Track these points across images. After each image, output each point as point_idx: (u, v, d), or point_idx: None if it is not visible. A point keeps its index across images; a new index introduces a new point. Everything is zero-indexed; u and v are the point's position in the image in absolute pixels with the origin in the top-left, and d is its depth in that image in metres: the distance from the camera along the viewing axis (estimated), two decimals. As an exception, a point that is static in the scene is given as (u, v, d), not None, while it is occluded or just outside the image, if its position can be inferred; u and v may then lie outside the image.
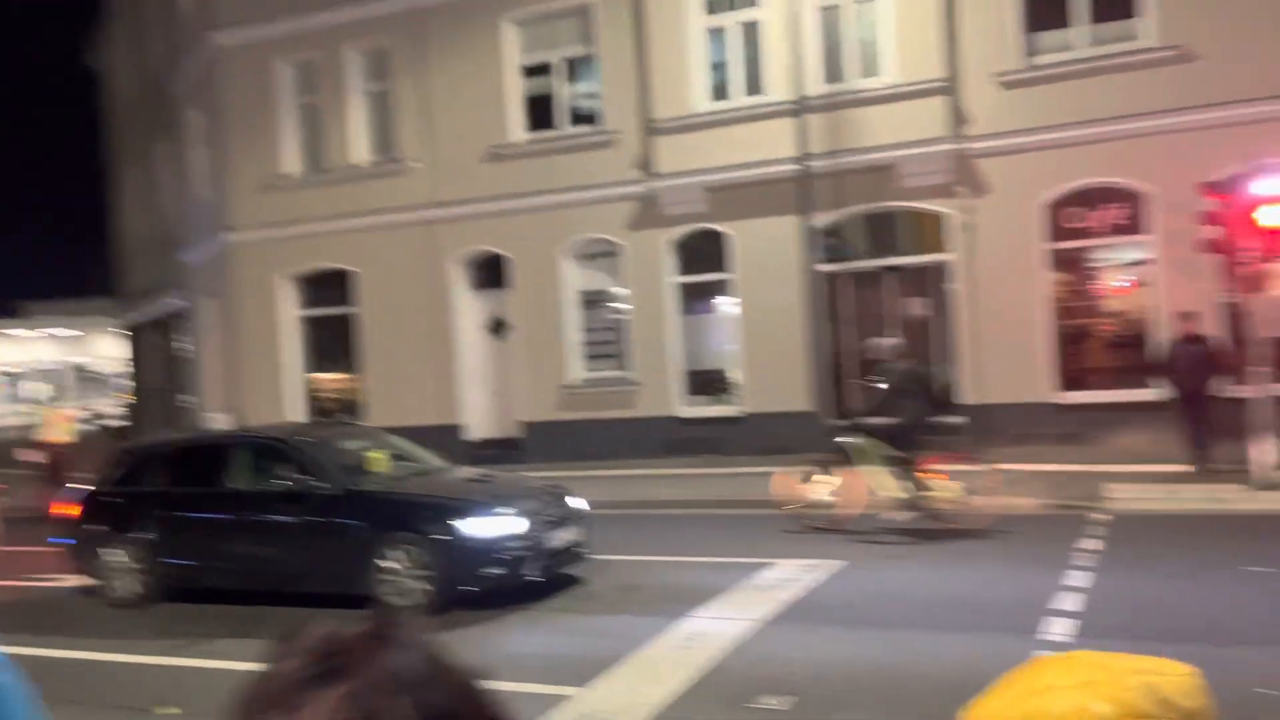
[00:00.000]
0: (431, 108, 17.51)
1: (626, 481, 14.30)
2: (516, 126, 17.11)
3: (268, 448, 9.16)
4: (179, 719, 6.19)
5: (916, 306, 15.28)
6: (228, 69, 18.91)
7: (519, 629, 7.69)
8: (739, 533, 10.85)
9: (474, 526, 8.09)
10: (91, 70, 33.48)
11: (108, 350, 51.84)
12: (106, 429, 34.61)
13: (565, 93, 16.96)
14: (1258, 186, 10.57)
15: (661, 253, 16.19)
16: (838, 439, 10.84)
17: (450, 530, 8.06)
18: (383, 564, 8.15)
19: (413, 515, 8.30)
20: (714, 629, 7.23)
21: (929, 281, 15.08)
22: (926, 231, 15.08)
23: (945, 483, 10.12)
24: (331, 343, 18.80)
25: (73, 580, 9.82)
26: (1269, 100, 12.66)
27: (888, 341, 11.48)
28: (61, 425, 16.22)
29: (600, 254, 16.88)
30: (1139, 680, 1.03)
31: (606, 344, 17.02)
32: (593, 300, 17.07)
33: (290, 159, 18.69)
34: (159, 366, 26.88)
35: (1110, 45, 13.90)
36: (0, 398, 60.61)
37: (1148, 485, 11.42)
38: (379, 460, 9.22)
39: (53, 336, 65.33)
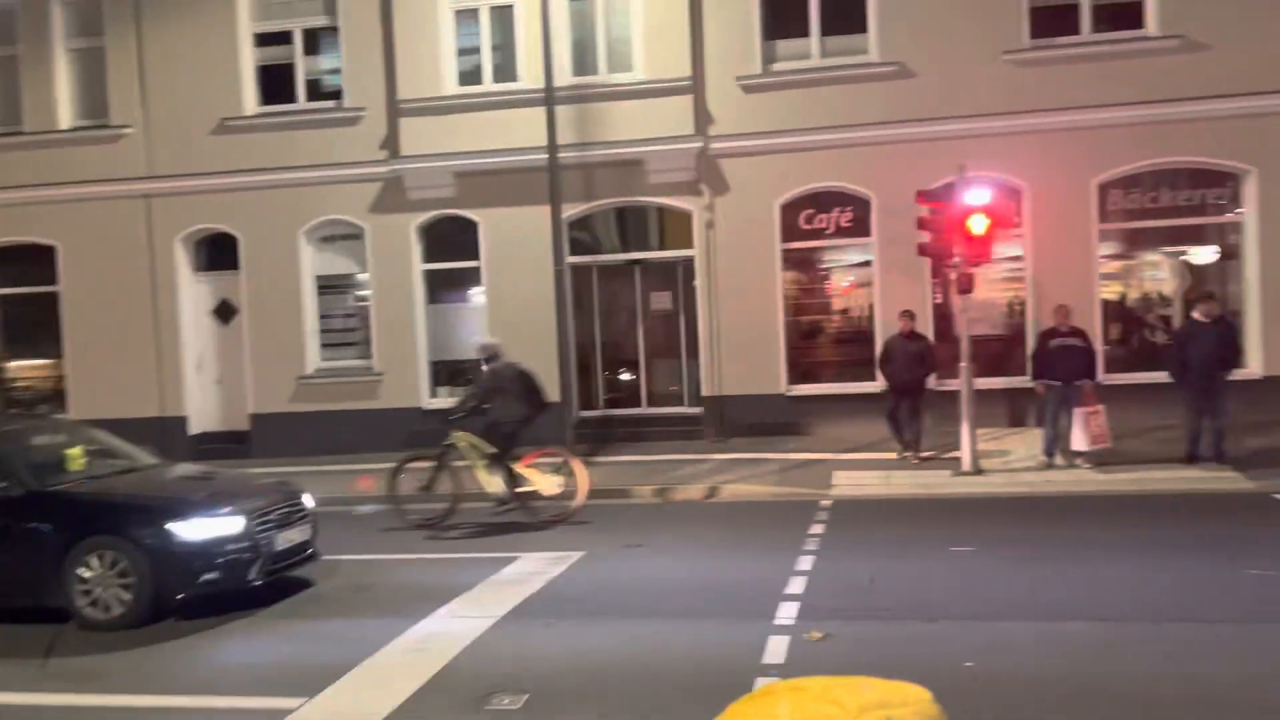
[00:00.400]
0: (150, 71, 16.02)
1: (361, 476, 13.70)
2: (249, 97, 15.96)
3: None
4: None
5: (662, 301, 15.61)
6: (-100, 9, 16.45)
7: (240, 639, 7.11)
8: (483, 527, 10.62)
9: (184, 528, 7.38)
10: None
11: None
12: None
13: (304, 65, 15.99)
14: (968, 196, 11.52)
15: (408, 238, 15.62)
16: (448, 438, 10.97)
17: (156, 533, 7.32)
18: (80, 572, 7.29)
19: (112, 517, 7.47)
20: (449, 629, 6.97)
21: (674, 276, 15.44)
22: (672, 227, 15.43)
23: (540, 476, 10.63)
24: (29, 325, 16.82)
25: None
26: (980, 117, 13.86)
27: (488, 340, 11.89)
28: None
29: (341, 236, 16.07)
30: (875, 717, 0.93)
31: (347, 331, 16.24)
32: (332, 286, 16.23)
33: (-19, 120, 16.53)
34: None
35: (839, 57, 14.73)
36: None
37: (866, 472, 12.22)
38: (75, 457, 8.26)
39: None
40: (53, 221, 16.23)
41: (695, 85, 14.73)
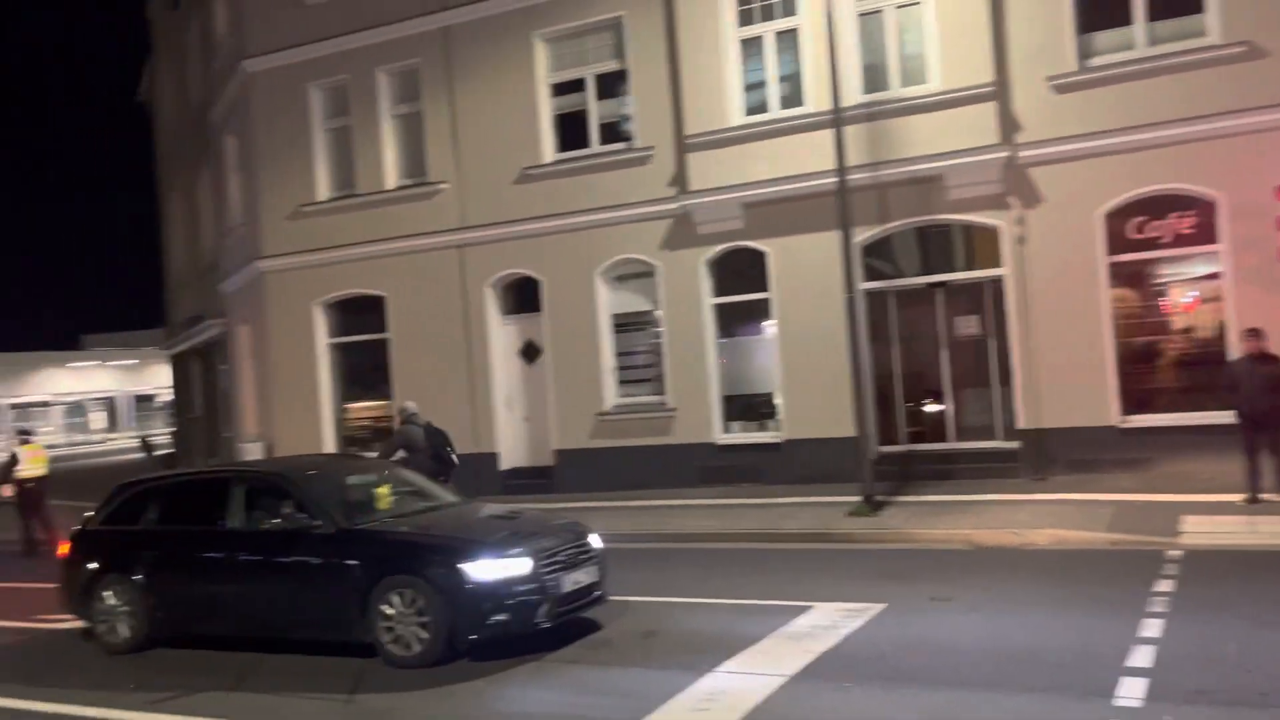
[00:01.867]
0: (461, 129, 17.12)
1: (659, 512, 13.63)
2: (547, 146, 16.63)
3: (264, 483, 8.63)
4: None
5: (968, 325, 14.43)
6: (260, 95, 18.75)
7: (526, 685, 7.03)
8: (774, 570, 10.10)
9: (476, 569, 7.45)
10: (142, 105, 33.89)
11: (161, 379, 52.41)
12: (155, 456, 34.80)
13: (596, 110, 16.43)
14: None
15: (697, 273, 15.54)
16: None
17: (450, 573, 7.44)
18: (383, 609, 7.56)
19: (412, 556, 7.69)
20: (736, 686, 6.50)
21: (980, 299, 14.24)
22: (977, 246, 14.25)
23: None
24: (363, 370, 18.42)
25: (76, 623, 9.38)
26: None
27: (406, 404, 13.55)
28: (36, 460, 15.93)
29: (634, 275, 16.28)
30: None
31: (642, 368, 16.39)
32: (627, 323, 16.46)
33: (321, 184, 18.42)
34: (201, 394, 26.82)
35: (1171, 44, 13.01)
36: (62, 427, 61.62)
37: (1225, 517, 10.46)
38: (385, 496, 8.66)
39: (110, 366, 66.48)
40: (381, 274, 17.70)
41: (999, 91, 13.55)
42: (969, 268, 14.39)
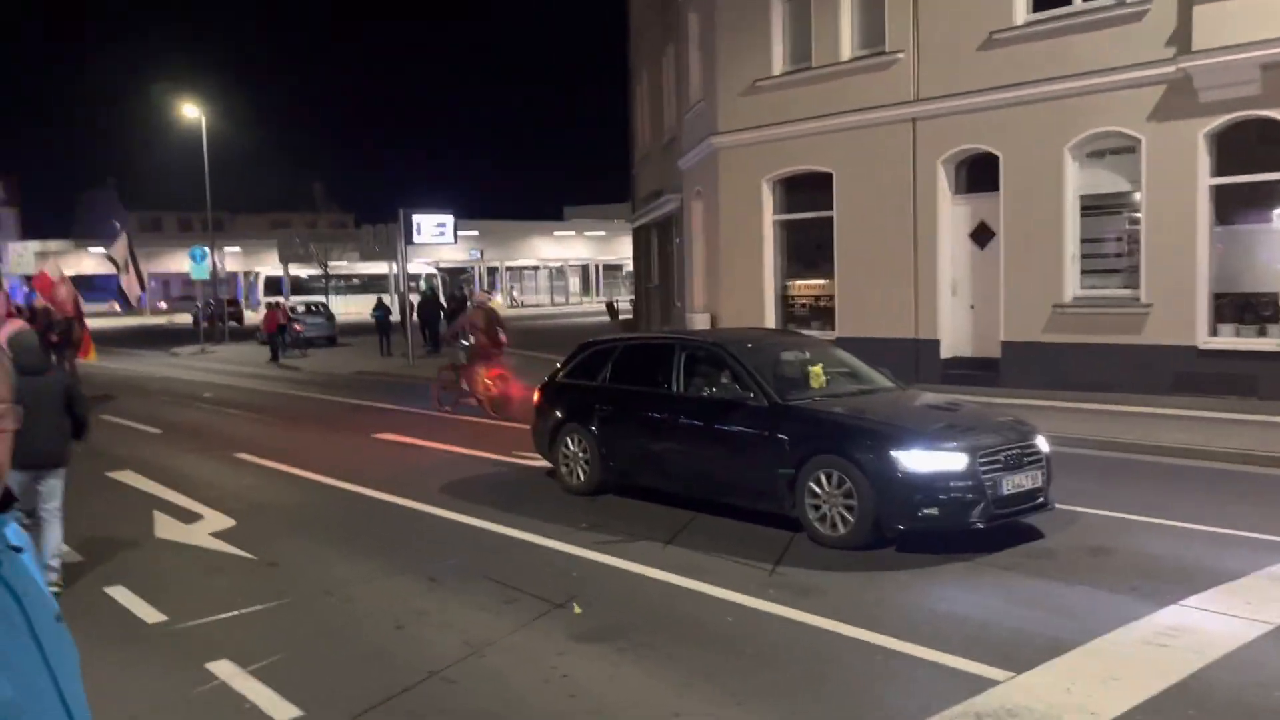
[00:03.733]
0: (924, -8, 15.96)
1: (1122, 419, 12.24)
2: (1020, 6, 14.99)
3: (706, 353, 8.88)
4: (584, 619, 6.13)
5: None
6: (722, -32, 18.86)
7: (952, 585, 6.65)
8: (1264, 499, 8.62)
9: (908, 459, 7.11)
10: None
11: (627, 249, 56.96)
12: (618, 320, 38.14)
13: (1083, -40, 14.45)
14: None
15: (1194, 148, 13.33)
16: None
17: (879, 459, 7.17)
18: (811, 486, 7.52)
19: (842, 437, 7.52)
20: (1203, 625, 5.62)
21: None
22: None
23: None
24: (808, 248, 18.37)
25: (537, 461, 10.52)
26: None
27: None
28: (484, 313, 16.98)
29: (1111, 151, 14.38)
30: None
31: (1112, 257, 14.61)
32: (1097, 206, 14.67)
33: (777, 58, 18.27)
34: (658, 266, 28.63)
35: None
36: (544, 289, 69.40)
37: None
38: (818, 375, 8.54)
39: (585, 236, 73.29)
40: (832, 150, 17.33)
41: None
42: None
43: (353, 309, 48.70)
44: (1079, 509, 8.14)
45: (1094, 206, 14.66)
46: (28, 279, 36.71)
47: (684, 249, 22.91)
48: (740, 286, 18.96)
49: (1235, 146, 13.19)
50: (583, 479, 9.47)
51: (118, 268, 27.44)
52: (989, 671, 5.08)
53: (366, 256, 32.90)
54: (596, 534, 8.07)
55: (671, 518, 8.47)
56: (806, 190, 18.06)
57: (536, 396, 10.33)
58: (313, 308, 35.79)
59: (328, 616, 6.41)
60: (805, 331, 15.91)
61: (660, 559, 7.33)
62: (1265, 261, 13.15)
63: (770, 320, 18.55)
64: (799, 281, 18.73)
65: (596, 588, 6.75)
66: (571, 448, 9.58)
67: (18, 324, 17.02)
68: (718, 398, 8.38)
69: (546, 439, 9.96)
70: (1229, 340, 13.38)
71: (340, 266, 50.20)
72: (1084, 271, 14.76)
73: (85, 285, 46.43)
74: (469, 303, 19.21)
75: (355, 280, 55.28)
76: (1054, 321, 14.78)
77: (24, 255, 63.30)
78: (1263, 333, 13.16)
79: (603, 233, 71.71)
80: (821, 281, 18.15)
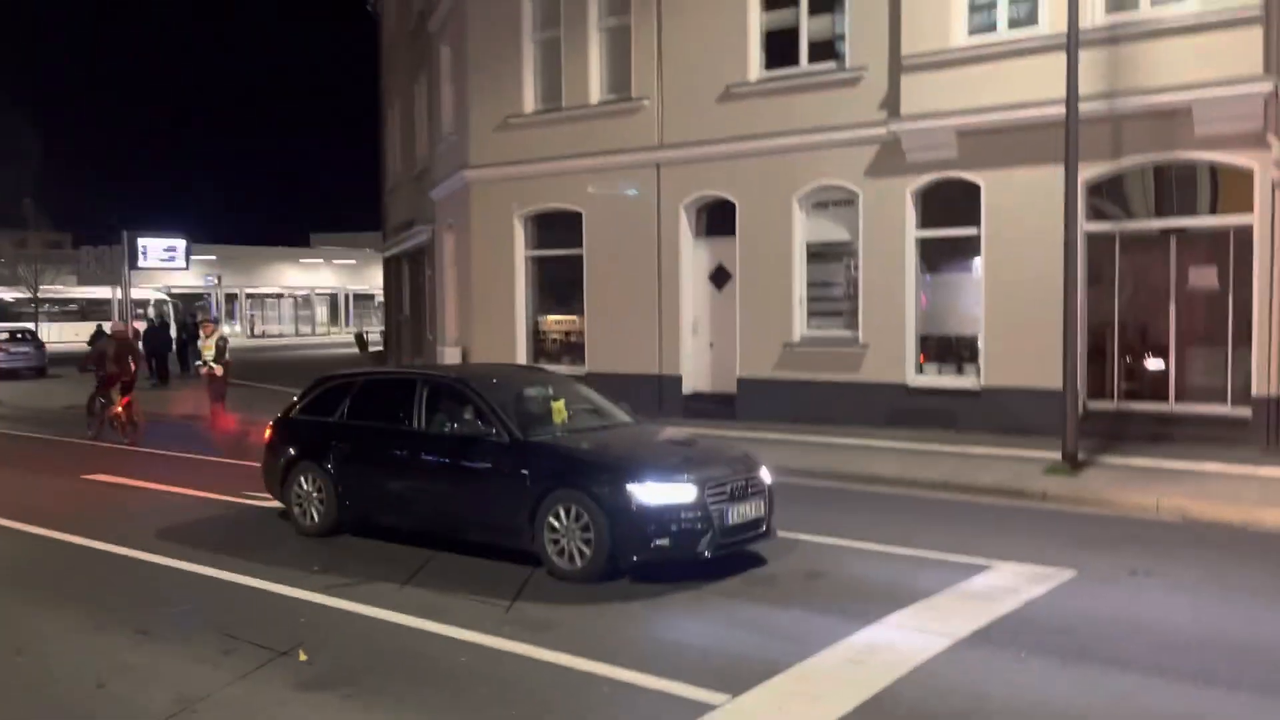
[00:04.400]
0: (667, 44, 16.76)
1: (842, 451, 13.21)
2: (754, 63, 16.07)
3: (449, 389, 8.83)
4: (311, 667, 5.90)
5: (1204, 277, 13.07)
6: (475, 4, 18.97)
7: (679, 613, 6.93)
8: (960, 524, 9.57)
9: (642, 491, 7.37)
10: (371, 12, 35.22)
11: (378, 279, 55.56)
12: (367, 352, 37.02)
13: (808, 26, 15.69)
14: None
15: (902, 203, 14.73)
16: None
17: (615, 492, 7.39)
18: (550, 521, 7.62)
19: (581, 472, 7.69)
20: (900, 641, 6.16)
21: (1222, 248, 12.83)
22: (1224, 189, 12.82)
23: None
24: (560, 284, 18.68)
25: (274, 502, 10.03)
26: None
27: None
28: (206, 349, 17.36)
29: (834, 203, 15.63)
30: None
31: (834, 300, 15.82)
32: (822, 252, 15.88)
33: (528, 97, 18.55)
34: (409, 297, 28.15)
35: None
36: (288, 318, 66.29)
37: None
38: (561, 411, 8.70)
39: (334, 264, 70.73)
40: (580, 189, 17.74)
41: (1268, 14, 11.93)
42: (1211, 213, 12.98)
43: (68, 336, 44.49)
44: (799, 536, 8.71)
45: (820, 254, 15.85)
46: None
47: (436, 281, 22.68)
48: (492, 320, 18.97)
49: (937, 203, 14.68)
50: (317, 519, 9.13)
51: None
52: (710, 696, 5.32)
53: (85, 280, 30.26)
54: (329, 577, 7.80)
55: (410, 557, 8.31)
56: (558, 227, 18.38)
57: (268, 433, 9.87)
58: (19, 335, 32.41)
59: (20, 677, 5.81)
60: (555, 367, 16.15)
61: (396, 600, 7.18)
62: (964, 307, 14.66)
63: (522, 355, 18.68)
64: (550, 317, 18.98)
65: (326, 633, 6.52)
66: (305, 487, 9.21)
67: None
68: (460, 434, 8.35)
69: (278, 478, 9.53)
70: (933, 379, 14.80)
71: (55, 290, 45.81)
72: (811, 313, 15.89)
73: None
74: (200, 330, 18.30)
75: (72, 305, 50.58)
76: (784, 359, 15.79)
77: None
78: (960, 371, 14.64)
79: (353, 261, 69.61)
80: (572, 317, 18.49)
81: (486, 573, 7.85)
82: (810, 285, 15.88)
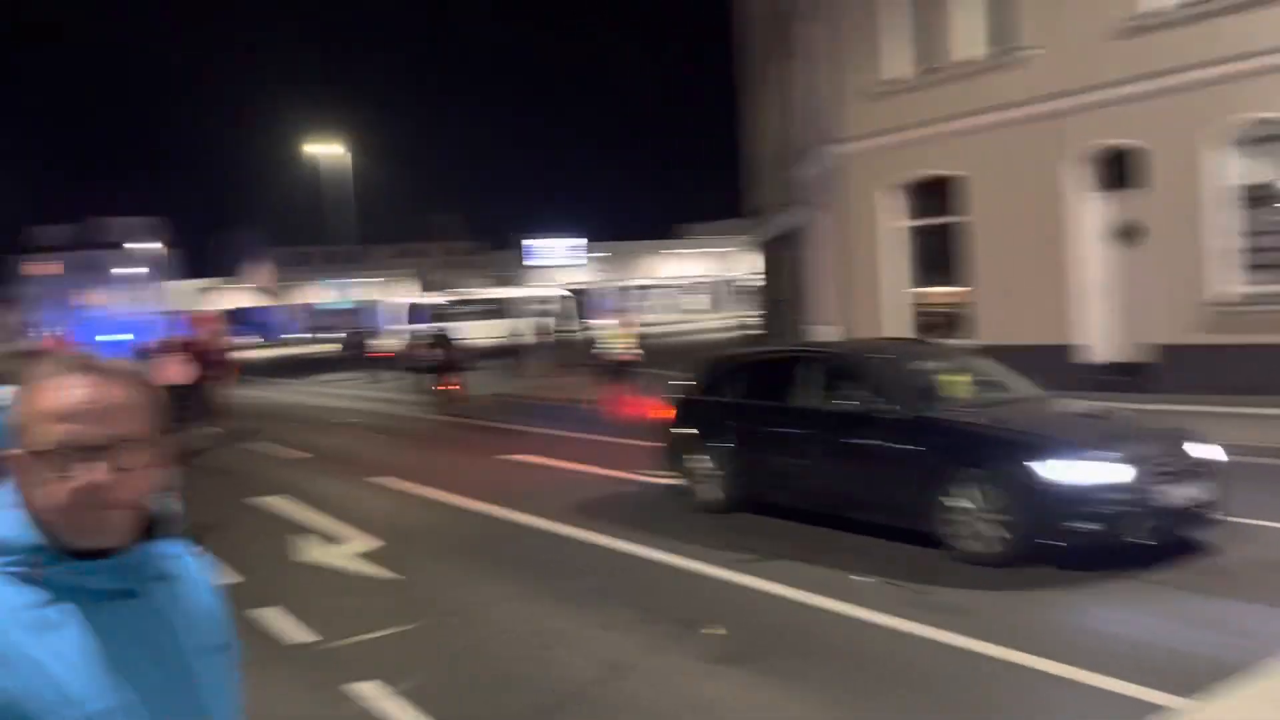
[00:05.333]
0: (1057, -18, 15.31)
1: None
2: (1163, -11, 14.23)
3: (840, 365, 8.65)
4: (723, 641, 5.99)
5: None
6: (839, -25, 18.57)
7: (1117, 605, 6.24)
8: None
9: (1059, 470, 6.73)
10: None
11: (750, 265, 56.65)
12: (746, 336, 37.86)
13: (1230, -64, 13.61)
14: None
15: (1364, 130, 12.35)
16: None
17: (1028, 471, 6.80)
18: (950, 501, 7.20)
19: (986, 449, 7.18)
20: None
21: None
22: None
23: None
24: (938, 255, 17.81)
25: (668, 479, 10.43)
26: None
27: None
28: (623, 338, 18.20)
29: (1270, 138, 13.45)
30: None
31: (1276, 251, 13.64)
32: (1258, 197, 13.73)
33: (898, 63, 17.85)
34: (785, 280, 28.29)
35: None
36: (665, 307, 69.58)
37: None
38: (957, 384, 8.20)
39: (708, 253, 73.24)
40: (960, 153, 16.77)
41: None
42: None
43: (483, 333, 49.89)
44: (1253, 521, 7.56)
45: (1256, 198, 13.73)
46: (186, 315, 39.05)
47: (809, 261, 22.56)
48: (869, 297, 18.52)
49: None
50: (713, 496, 9.34)
51: (265, 295, 28.80)
52: (1159, 698, 4.72)
53: (498, 282, 33.61)
54: (731, 553, 7.92)
55: (807, 535, 8.25)
56: (936, 195, 17.53)
57: (664, 414, 10.26)
58: (447, 333, 36.74)
59: (468, 637, 6.45)
60: (942, 341, 15.39)
61: (798, 578, 7.13)
62: None
63: (903, 330, 18.04)
64: (932, 289, 18.16)
65: (734, 608, 6.61)
66: (701, 465, 9.47)
67: (179, 358, 18.02)
68: (853, 411, 8.13)
69: (676, 456, 9.88)
70: None
71: (474, 292, 51.51)
72: (1247, 267, 13.83)
73: (235, 319, 48.93)
74: (613, 321, 19.79)
75: (490, 305, 56.66)
76: (1211, 321, 13.88)
77: (184, 293, 67.37)
78: None
79: (727, 249, 71.61)
80: (956, 289, 17.56)
81: (886, 552, 7.59)
82: (1246, 235, 13.81)
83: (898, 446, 7.63)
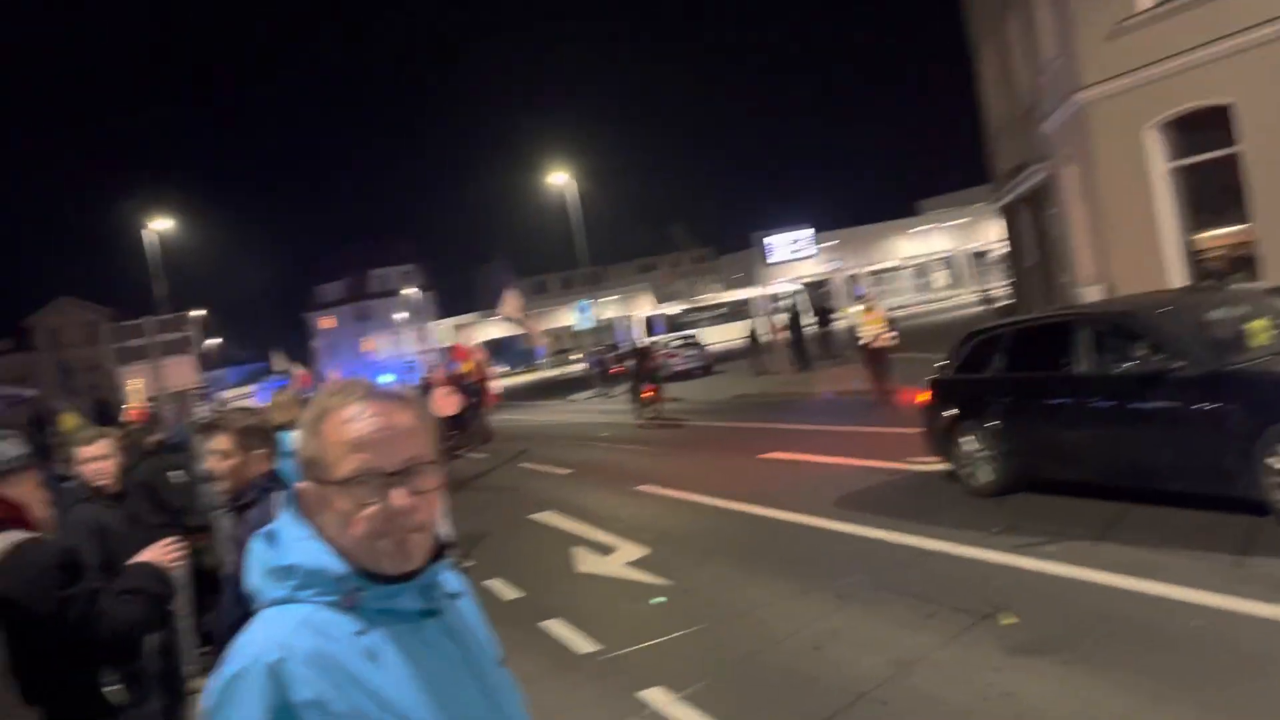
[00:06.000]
0: None
1: None
2: None
3: (1114, 324, 7.93)
4: (1019, 630, 5.61)
5: None
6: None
7: None
8: None
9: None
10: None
11: (992, 233, 53.73)
12: (994, 309, 35.95)
13: None
14: None
15: None
16: None
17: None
18: (1271, 462, 6.40)
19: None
20: None
21: None
22: None
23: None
24: (1209, 193, 16.10)
25: (934, 465, 9.97)
26: None
27: None
28: (870, 324, 17.32)
29: None
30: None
31: None
32: None
33: (1141, -9, 16.33)
34: (1033, 242, 26.61)
35: None
36: (907, 289, 67.38)
37: None
38: (1260, 331, 7.32)
39: (945, 227, 70.31)
40: (1227, 77, 15.10)
41: None
42: None
43: (721, 337, 50.21)
44: None
45: None
46: (448, 350, 41.75)
47: (1060, 219, 21.08)
48: (1134, 249, 17.02)
49: None
50: (985, 479, 8.82)
51: (517, 323, 30.24)
52: None
53: (730, 285, 33.67)
54: (1013, 537, 7.43)
55: (1097, 512, 7.60)
56: (1201, 129, 15.87)
57: (925, 396, 9.82)
58: (686, 341, 37.31)
59: (746, 639, 6.39)
60: (1228, 287, 13.91)
61: (1094, 559, 6.57)
62: None
63: (1176, 281, 16.45)
64: (1206, 232, 16.45)
65: (1024, 596, 6.17)
66: (969, 446, 8.97)
67: (447, 390, 19.23)
68: (1135, 373, 7.42)
69: (941, 440, 9.42)
70: None
71: (708, 298, 52.03)
72: None
73: (493, 349, 51.85)
74: (859, 310, 18.96)
75: (722, 309, 57.02)
76: None
77: (445, 331, 72.25)
78: None
79: (964, 219, 68.40)
80: (1234, 228, 15.82)
81: (1193, 524, 6.86)
82: None
83: (1196, 407, 6.88)
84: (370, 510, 1.48)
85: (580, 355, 47.41)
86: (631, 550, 9.40)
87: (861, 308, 18.18)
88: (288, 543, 1.51)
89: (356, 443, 1.49)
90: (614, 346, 49.01)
